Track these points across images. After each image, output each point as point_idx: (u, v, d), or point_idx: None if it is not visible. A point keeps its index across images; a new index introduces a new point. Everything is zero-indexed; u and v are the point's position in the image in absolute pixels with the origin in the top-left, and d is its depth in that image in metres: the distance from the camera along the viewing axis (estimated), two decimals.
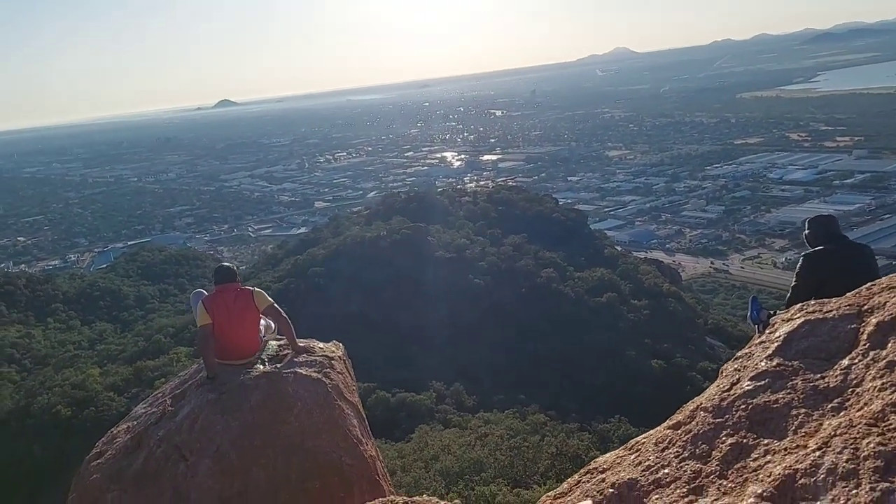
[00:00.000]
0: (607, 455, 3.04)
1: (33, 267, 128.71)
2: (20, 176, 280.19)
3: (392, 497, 2.55)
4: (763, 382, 2.76)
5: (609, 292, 58.03)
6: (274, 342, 6.54)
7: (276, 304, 6.34)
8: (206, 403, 5.62)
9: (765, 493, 2.23)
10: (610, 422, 34.95)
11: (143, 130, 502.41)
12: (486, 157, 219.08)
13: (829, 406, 2.52)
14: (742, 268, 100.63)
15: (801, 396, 2.62)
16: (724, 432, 2.64)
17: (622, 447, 3.11)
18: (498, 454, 21.64)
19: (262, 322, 6.47)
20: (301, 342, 6.40)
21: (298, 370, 5.92)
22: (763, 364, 2.92)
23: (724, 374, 3.04)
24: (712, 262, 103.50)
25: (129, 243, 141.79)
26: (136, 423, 6.04)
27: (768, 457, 2.38)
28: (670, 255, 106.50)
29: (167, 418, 5.77)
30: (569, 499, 2.95)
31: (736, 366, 3.02)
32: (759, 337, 3.49)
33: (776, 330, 3.24)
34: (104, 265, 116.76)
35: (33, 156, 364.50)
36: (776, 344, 3.07)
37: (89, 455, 6.02)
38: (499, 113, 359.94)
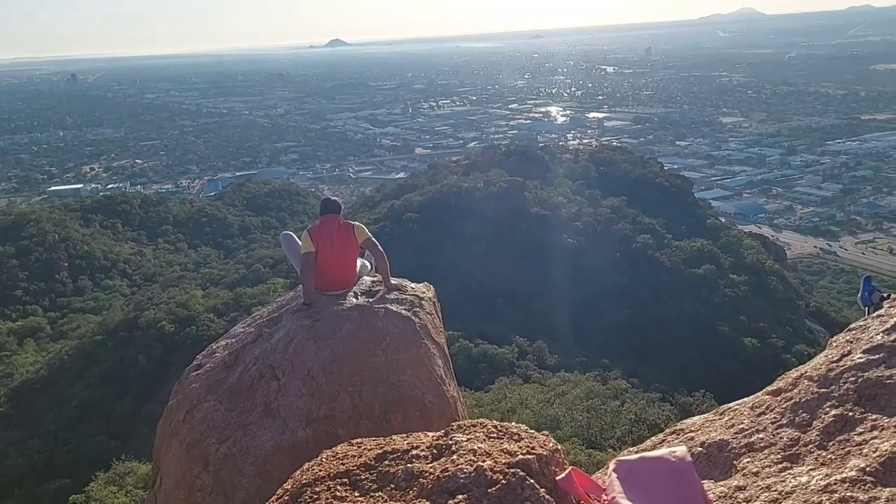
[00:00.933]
0: (695, 418, 2.95)
1: (148, 189, 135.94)
2: (141, 101, 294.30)
3: (483, 420, 2.59)
4: (877, 356, 2.59)
5: (707, 264, 56.23)
6: (368, 278, 6.70)
7: (373, 238, 6.53)
8: (301, 328, 5.83)
9: (868, 468, 2.11)
10: (694, 395, 34.11)
11: (256, 65, 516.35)
12: (592, 115, 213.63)
13: None
14: (857, 252, 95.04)
15: None
16: (829, 403, 2.51)
17: (712, 412, 3.02)
18: (575, 413, 21.56)
19: (359, 262, 6.67)
20: (394, 280, 6.54)
21: (389, 306, 6.03)
22: (879, 338, 2.74)
23: (833, 344, 2.87)
24: (829, 244, 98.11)
25: (237, 174, 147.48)
26: (234, 340, 6.33)
27: (875, 432, 2.25)
28: (777, 231, 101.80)
29: (263, 339, 6.02)
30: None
31: (848, 337, 2.84)
32: (873, 313, 3.29)
33: None
34: (213, 193, 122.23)
35: (154, 82, 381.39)
36: None
37: (190, 366, 6.37)
38: (610, 69, 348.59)
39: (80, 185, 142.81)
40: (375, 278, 6.67)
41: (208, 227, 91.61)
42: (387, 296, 6.27)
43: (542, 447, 2.48)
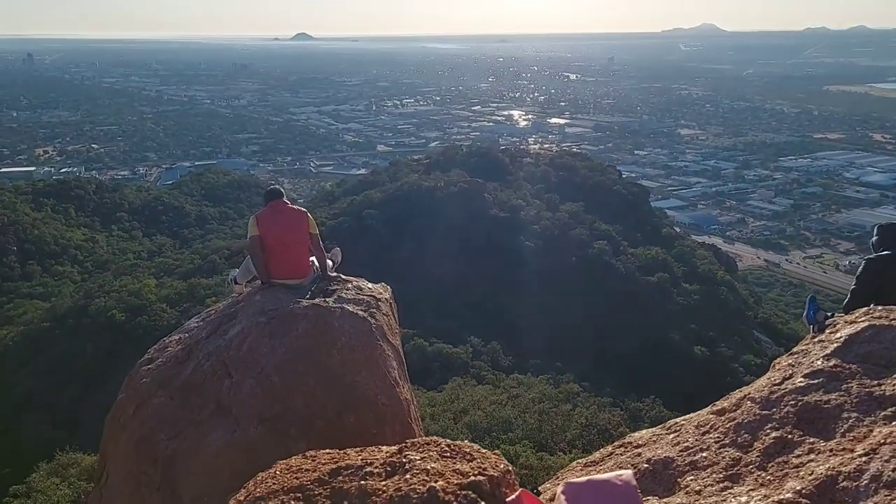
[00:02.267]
0: (643, 431, 3.03)
1: (104, 175, 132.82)
2: (100, 85, 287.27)
3: (437, 438, 2.62)
4: (817, 381, 2.69)
5: (661, 272, 57.18)
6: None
7: (318, 236, 6.72)
8: (256, 326, 5.78)
9: (804, 491, 2.20)
10: (643, 401, 34.68)
11: (220, 54, 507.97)
12: (553, 121, 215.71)
13: (883, 414, 2.46)
14: (804, 266, 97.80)
15: (855, 400, 2.56)
16: (770, 425, 2.60)
17: (660, 426, 3.09)
18: (527, 416, 21.75)
19: (316, 262, 6.72)
20: (350, 279, 6.58)
21: (346, 307, 6.01)
22: (819, 363, 2.85)
23: (776, 367, 2.97)
24: (787, 259, 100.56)
25: (196, 163, 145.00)
26: (187, 335, 6.25)
27: (812, 455, 2.34)
28: (729, 243, 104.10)
29: (217, 335, 5.95)
30: (601, 467, 2.96)
31: (790, 361, 2.94)
32: (817, 336, 3.39)
33: (838, 331, 3.14)
34: (170, 181, 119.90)
35: (114, 67, 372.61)
36: (836, 345, 2.98)
37: (141, 359, 6.26)
38: (573, 76, 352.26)
39: (32, 168, 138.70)
40: (333, 276, 6.68)
41: (164, 215, 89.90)
42: (344, 296, 6.25)
43: (493, 468, 2.53)
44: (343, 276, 6.69)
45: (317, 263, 6.67)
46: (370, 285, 6.65)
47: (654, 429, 3.05)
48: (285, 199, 6.75)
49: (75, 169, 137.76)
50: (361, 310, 6.05)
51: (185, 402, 5.44)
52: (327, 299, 6.17)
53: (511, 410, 22.53)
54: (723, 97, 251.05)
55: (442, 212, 60.49)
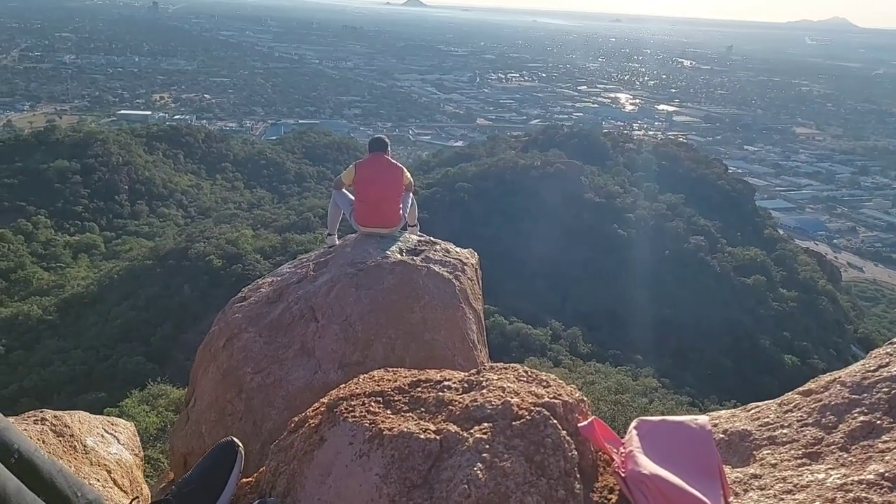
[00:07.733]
0: (721, 412, 3.01)
1: (213, 124, 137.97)
2: (217, 37, 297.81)
3: (514, 364, 2.73)
4: None
5: (758, 275, 55.07)
6: (415, 237, 6.81)
7: (413, 187, 7.19)
8: (344, 276, 5.95)
9: (887, 474, 2.13)
10: (724, 405, 33.76)
11: (332, 14, 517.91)
12: (661, 107, 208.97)
13: None
14: None
15: None
16: (858, 409, 2.52)
17: (739, 408, 3.06)
18: (601, 404, 21.56)
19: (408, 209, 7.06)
20: (439, 241, 6.71)
21: (432, 266, 6.10)
22: None
23: (872, 356, 2.88)
24: (881, 272, 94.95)
25: (300, 121, 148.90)
26: (280, 278, 6.51)
27: None
28: (836, 251, 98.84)
29: (308, 281, 6.17)
30: None
31: (889, 350, 2.83)
32: None
33: None
34: (274, 137, 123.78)
35: (231, 20, 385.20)
36: None
37: (235, 297, 6.58)
38: (687, 63, 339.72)
39: (148, 112, 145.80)
40: (422, 238, 6.79)
41: (266, 169, 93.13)
42: (431, 256, 6.36)
43: (568, 396, 2.60)
44: (432, 238, 6.81)
45: (405, 213, 6.98)
46: (458, 249, 6.73)
47: (732, 410, 3.02)
48: (388, 154, 6.98)
49: (187, 117, 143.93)
50: (447, 271, 6.12)
51: (271, 340, 5.68)
52: (415, 258, 6.29)
53: (586, 397, 22.39)
54: (847, 97, 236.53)
55: (535, 192, 60.13)
